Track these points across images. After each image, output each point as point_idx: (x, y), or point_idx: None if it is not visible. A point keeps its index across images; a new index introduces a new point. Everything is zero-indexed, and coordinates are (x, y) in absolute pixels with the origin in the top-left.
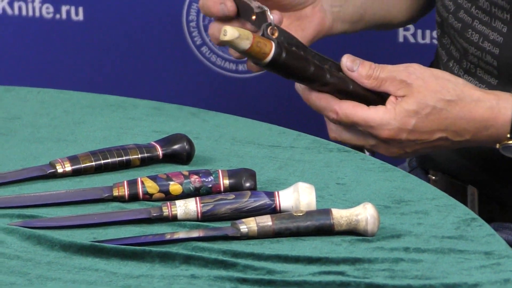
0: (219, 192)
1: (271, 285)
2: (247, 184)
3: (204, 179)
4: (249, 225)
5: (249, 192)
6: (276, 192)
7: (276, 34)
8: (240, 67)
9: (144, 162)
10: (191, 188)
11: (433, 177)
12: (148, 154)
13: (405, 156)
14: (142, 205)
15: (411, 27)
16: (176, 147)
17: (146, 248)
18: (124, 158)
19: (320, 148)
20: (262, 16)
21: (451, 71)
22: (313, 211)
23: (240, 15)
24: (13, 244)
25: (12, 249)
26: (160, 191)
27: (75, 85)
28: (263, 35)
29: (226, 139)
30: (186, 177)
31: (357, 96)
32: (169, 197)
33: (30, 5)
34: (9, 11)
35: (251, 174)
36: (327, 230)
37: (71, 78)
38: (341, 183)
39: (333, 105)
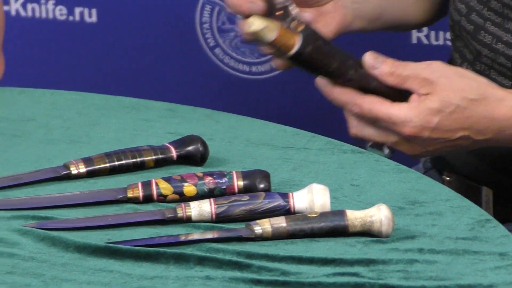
0: (233, 194)
1: (286, 286)
2: (261, 186)
3: (218, 180)
4: (263, 226)
5: (263, 194)
6: (290, 194)
7: (301, 28)
8: (254, 69)
9: (158, 164)
10: (205, 190)
11: (448, 178)
12: (162, 156)
13: (425, 155)
14: (156, 207)
15: (425, 28)
16: (190, 148)
17: (161, 249)
18: (138, 159)
19: (334, 150)
20: (287, 11)
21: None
22: (327, 213)
23: (266, 12)
24: (27, 245)
25: (26, 251)
26: (174, 193)
27: (89, 86)
28: (288, 28)
29: (240, 140)
30: (200, 178)
31: (379, 93)
32: (183, 199)
33: (43, 7)
34: (22, 12)
35: (265, 176)
36: (341, 231)
37: (85, 80)
38: (355, 184)
39: (357, 99)
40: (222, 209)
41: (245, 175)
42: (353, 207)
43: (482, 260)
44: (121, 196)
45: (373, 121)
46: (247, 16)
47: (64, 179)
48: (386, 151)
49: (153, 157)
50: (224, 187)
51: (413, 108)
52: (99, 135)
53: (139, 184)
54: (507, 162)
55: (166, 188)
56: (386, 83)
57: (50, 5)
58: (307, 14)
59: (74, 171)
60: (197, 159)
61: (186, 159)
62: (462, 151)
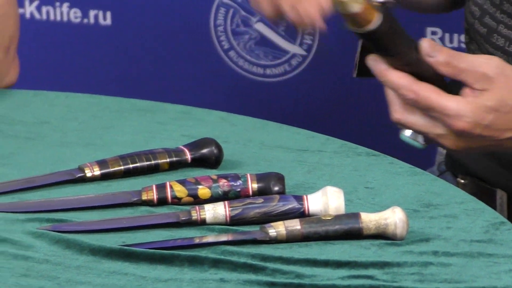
0: (248, 196)
1: None
2: (276, 188)
3: (233, 183)
4: (277, 229)
5: (277, 196)
6: (305, 196)
7: (378, 4)
8: (268, 71)
9: (173, 166)
10: (220, 192)
11: (462, 181)
12: (176, 158)
13: (468, 151)
14: (170, 209)
15: (439, 30)
16: (204, 151)
17: (175, 252)
18: (152, 162)
19: (348, 152)
20: None
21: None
22: (342, 215)
23: None
24: (42, 248)
25: (41, 253)
26: (188, 195)
27: (103, 89)
28: (370, 3)
29: (254, 143)
30: (214, 181)
31: (431, 81)
32: (198, 201)
33: (58, 10)
34: (37, 15)
35: (280, 178)
36: (356, 234)
37: (99, 83)
38: (369, 187)
39: (413, 84)
40: (236, 211)
41: (259, 177)
42: (367, 210)
43: (496, 262)
44: (135, 199)
45: (425, 109)
46: None
47: (79, 181)
48: (422, 142)
49: (168, 160)
50: (239, 189)
51: (469, 103)
52: (114, 138)
53: (154, 187)
54: None
55: (180, 191)
56: (440, 73)
57: (65, 8)
58: None
59: (88, 173)
60: (212, 161)
61: (200, 162)
62: (501, 151)
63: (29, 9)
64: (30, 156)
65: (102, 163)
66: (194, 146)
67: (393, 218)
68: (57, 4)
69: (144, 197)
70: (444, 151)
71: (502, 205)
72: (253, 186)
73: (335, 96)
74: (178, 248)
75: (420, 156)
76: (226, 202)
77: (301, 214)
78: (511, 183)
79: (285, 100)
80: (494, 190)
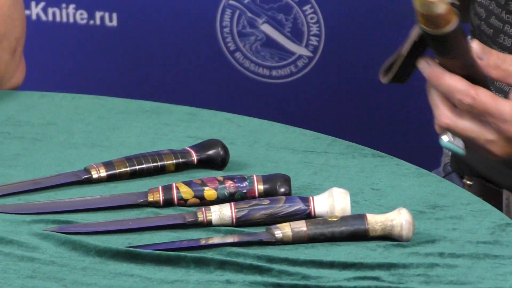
0: (254, 198)
1: None
2: (282, 190)
3: (239, 184)
4: (283, 230)
5: (283, 198)
6: (311, 197)
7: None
8: (274, 73)
9: (179, 168)
10: (226, 194)
11: (468, 182)
12: (182, 160)
13: None
14: (176, 211)
15: None
16: (210, 152)
17: (181, 253)
18: (159, 163)
19: (354, 154)
20: None
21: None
22: (348, 216)
23: None
24: (48, 249)
25: (47, 255)
26: (194, 197)
27: (109, 90)
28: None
29: (260, 144)
30: (220, 182)
31: (481, 85)
32: (204, 203)
33: (64, 11)
34: (43, 17)
35: (286, 180)
36: (362, 235)
37: (105, 84)
38: (375, 188)
39: (470, 89)
40: (242, 213)
41: (265, 179)
42: (373, 211)
43: (502, 264)
44: (141, 200)
45: (481, 114)
46: None
47: (85, 183)
48: (462, 147)
49: (174, 161)
50: (245, 191)
51: None
52: (120, 139)
53: (160, 188)
54: None
55: (186, 192)
56: (489, 76)
57: (71, 9)
58: None
59: (95, 175)
60: (218, 163)
61: (206, 163)
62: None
63: (35, 11)
64: (37, 158)
65: (108, 165)
66: (200, 147)
67: (399, 219)
68: (63, 5)
69: (150, 198)
70: (450, 153)
71: (509, 206)
72: (259, 187)
73: (341, 97)
74: (184, 250)
75: (426, 157)
76: (232, 203)
77: (307, 216)
78: None
79: (291, 101)
80: (500, 191)
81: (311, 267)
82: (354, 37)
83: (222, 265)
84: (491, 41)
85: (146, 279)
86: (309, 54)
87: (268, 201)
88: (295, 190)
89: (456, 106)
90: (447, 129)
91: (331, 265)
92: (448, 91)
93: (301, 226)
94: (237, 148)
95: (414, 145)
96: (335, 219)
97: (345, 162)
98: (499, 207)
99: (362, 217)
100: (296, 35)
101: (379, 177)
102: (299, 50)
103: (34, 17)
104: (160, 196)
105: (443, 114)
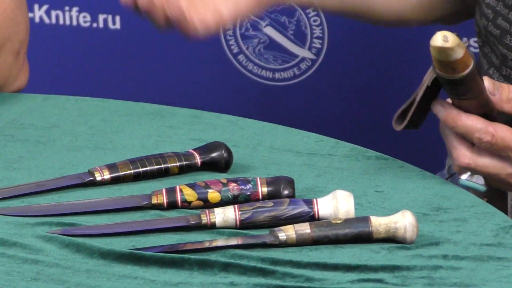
0: (258, 200)
1: None
2: (286, 192)
3: (243, 186)
4: (287, 232)
5: (287, 200)
6: (315, 200)
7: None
8: (277, 75)
9: (183, 170)
10: (230, 196)
11: None
12: (186, 162)
13: None
14: (180, 213)
15: None
16: (214, 155)
17: (185, 255)
18: (162, 166)
19: (358, 156)
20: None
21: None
22: (352, 219)
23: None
24: (52, 252)
25: (51, 257)
26: (198, 199)
27: (113, 93)
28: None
29: (264, 147)
30: (224, 185)
31: (496, 120)
32: (208, 205)
33: (67, 14)
34: (46, 19)
35: (290, 182)
36: (366, 238)
37: (109, 86)
38: (379, 191)
39: (489, 126)
40: (246, 215)
41: (269, 181)
42: (377, 214)
43: (506, 266)
44: (145, 203)
45: (501, 150)
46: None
47: (89, 185)
48: (482, 184)
49: (178, 164)
50: (249, 193)
51: None
52: (124, 142)
53: (164, 191)
54: None
55: (190, 195)
56: (503, 110)
57: (74, 12)
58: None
59: (98, 177)
60: (222, 165)
61: (210, 166)
62: None
63: (39, 14)
64: (40, 160)
65: (112, 167)
66: (204, 150)
67: (403, 221)
68: (67, 8)
69: (154, 201)
70: None
71: None
72: (263, 190)
73: (344, 100)
74: (188, 252)
75: (430, 160)
76: (236, 206)
77: (311, 218)
78: None
79: (295, 104)
80: (505, 193)
81: (315, 270)
82: (357, 40)
83: (226, 267)
84: (497, 42)
85: (150, 281)
86: (312, 56)
87: (272, 204)
88: (298, 193)
89: (473, 144)
90: (467, 169)
91: (335, 267)
92: (466, 131)
93: (305, 228)
94: (241, 151)
95: (418, 148)
96: (339, 222)
97: (349, 165)
98: (504, 210)
99: (366, 220)
100: (299, 38)
101: (383, 180)
102: (302, 52)
103: (37, 20)
104: (164, 199)
105: (463, 154)
